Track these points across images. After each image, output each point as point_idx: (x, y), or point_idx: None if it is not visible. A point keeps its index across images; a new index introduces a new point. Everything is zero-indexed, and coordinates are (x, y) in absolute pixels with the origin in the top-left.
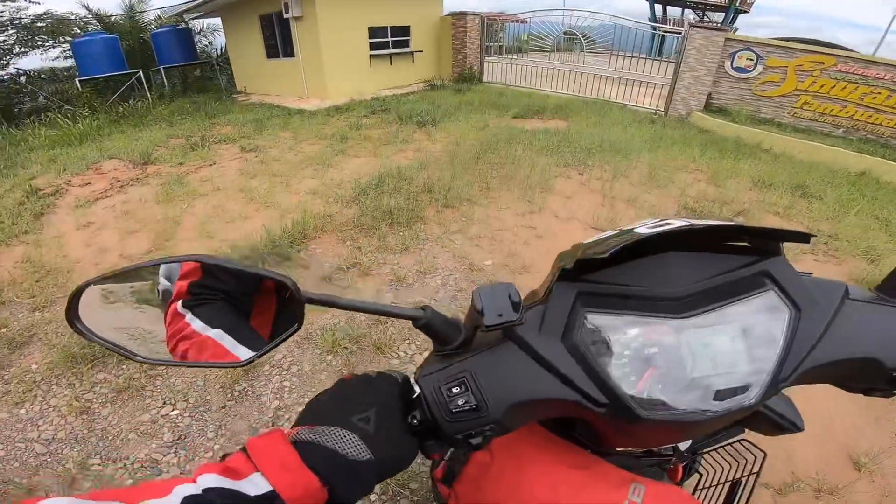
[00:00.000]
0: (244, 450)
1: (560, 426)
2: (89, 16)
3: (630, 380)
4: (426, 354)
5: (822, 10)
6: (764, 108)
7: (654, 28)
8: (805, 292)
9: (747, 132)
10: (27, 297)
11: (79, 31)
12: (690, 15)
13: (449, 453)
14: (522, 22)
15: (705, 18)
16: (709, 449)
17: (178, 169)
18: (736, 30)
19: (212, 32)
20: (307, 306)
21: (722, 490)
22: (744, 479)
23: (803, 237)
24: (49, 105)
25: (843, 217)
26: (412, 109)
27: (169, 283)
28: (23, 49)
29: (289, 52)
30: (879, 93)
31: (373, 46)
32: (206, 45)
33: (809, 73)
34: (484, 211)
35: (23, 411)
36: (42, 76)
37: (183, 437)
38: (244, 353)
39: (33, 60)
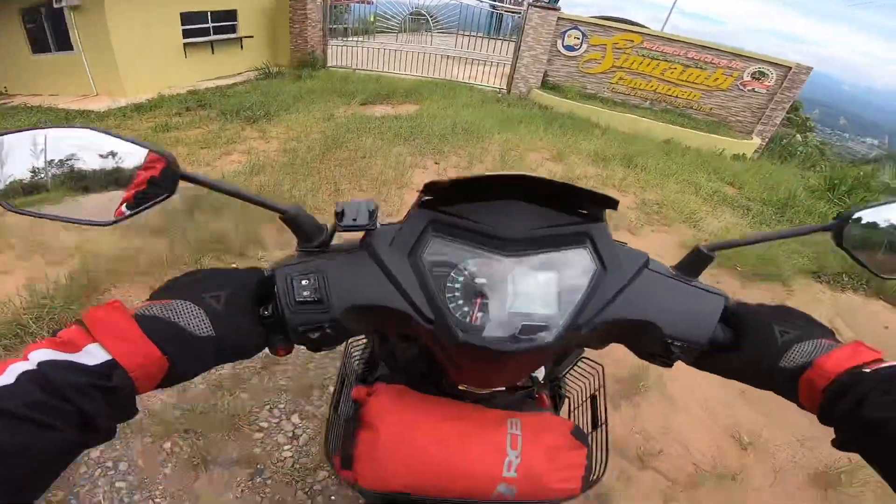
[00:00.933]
0: (80, 322)
1: (431, 384)
2: None
3: (458, 303)
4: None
5: None
6: (589, 84)
7: (494, 7)
8: (613, 256)
9: (579, 108)
10: None
11: None
12: None
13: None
14: (368, 2)
15: None
16: (562, 374)
17: None
18: (559, 9)
19: None
20: (181, 182)
21: (587, 407)
22: (597, 393)
23: (612, 203)
24: None
25: (665, 184)
26: (240, 103)
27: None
28: None
29: (64, 45)
30: (675, 68)
31: (188, 34)
32: None
33: (623, 51)
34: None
35: None
36: None
37: None
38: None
39: None
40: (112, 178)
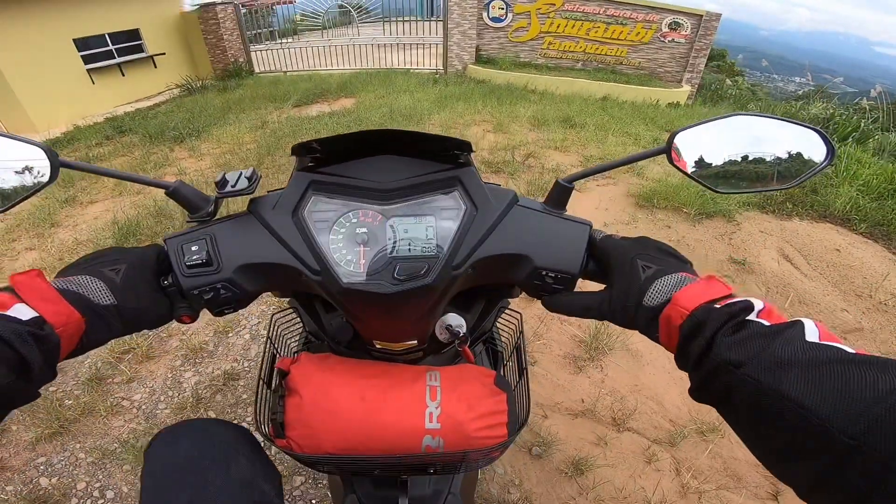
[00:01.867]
0: (6, 288)
1: (355, 350)
2: None
3: (342, 253)
4: None
5: None
6: (521, 52)
7: None
8: (483, 196)
9: (514, 77)
10: None
11: None
12: None
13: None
14: (290, 2)
15: None
16: (488, 328)
17: None
18: None
19: None
20: (62, 170)
21: (513, 356)
22: (519, 341)
23: (465, 146)
24: None
25: (605, 139)
26: (164, 123)
27: None
28: None
29: None
30: (599, 27)
31: (89, 59)
32: None
33: (547, 16)
34: None
35: None
36: None
37: None
38: None
39: None
40: None
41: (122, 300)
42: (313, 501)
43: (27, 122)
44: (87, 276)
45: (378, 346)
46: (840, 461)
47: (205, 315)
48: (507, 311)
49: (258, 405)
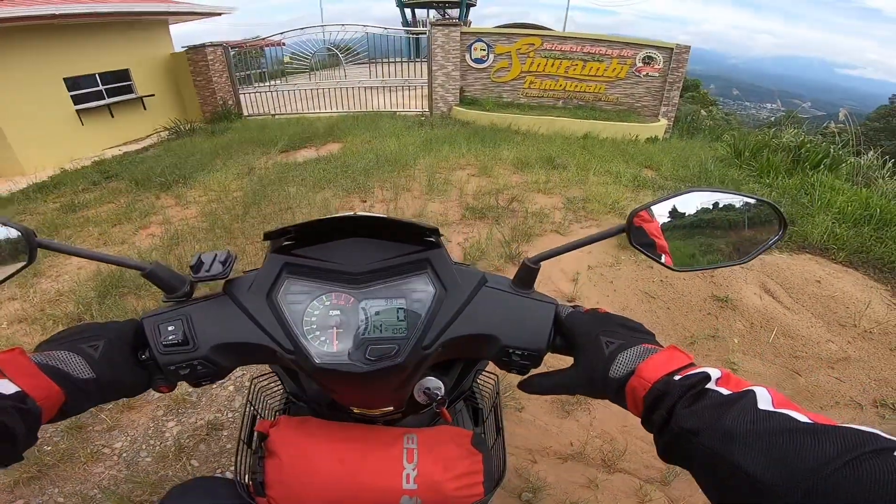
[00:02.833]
0: None
1: (334, 413)
2: None
3: (316, 334)
4: None
5: None
6: (503, 93)
7: (407, 32)
8: (453, 278)
9: (498, 118)
10: None
11: None
12: (434, 14)
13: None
14: (279, 45)
15: (446, 15)
16: (467, 388)
17: None
18: (470, 23)
19: None
20: (40, 250)
21: (492, 415)
22: (496, 401)
23: (434, 231)
24: None
25: (586, 179)
26: (151, 169)
27: None
28: None
29: None
30: (576, 64)
31: (79, 99)
32: None
33: (527, 55)
34: None
35: None
36: None
37: None
38: None
39: None
40: None
41: (101, 374)
42: None
43: (15, 164)
44: (66, 352)
45: (356, 412)
46: None
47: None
48: (484, 372)
49: (238, 463)
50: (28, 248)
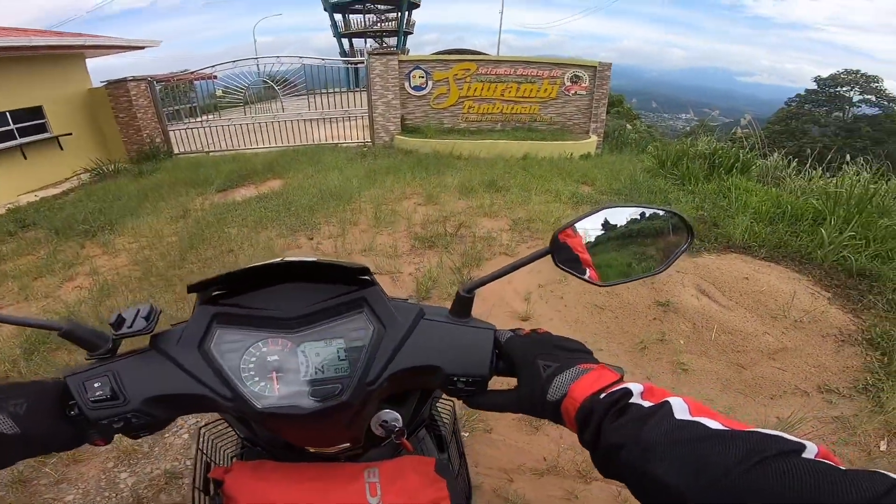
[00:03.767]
0: None
1: (290, 454)
2: None
3: (255, 380)
4: None
5: (462, 21)
6: (444, 119)
7: (345, 62)
8: (389, 313)
9: (440, 144)
10: None
11: None
12: (372, 44)
13: None
14: (211, 78)
15: (384, 44)
16: (425, 417)
17: None
18: (408, 51)
19: None
20: None
21: (454, 438)
22: (456, 426)
23: (364, 271)
24: None
25: (529, 199)
26: (73, 215)
27: None
28: None
29: None
30: (511, 87)
31: None
32: None
33: (464, 80)
34: None
35: None
36: None
37: None
38: None
39: None
40: None
41: (26, 430)
42: None
43: None
44: None
45: (312, 451)
46: None
47: None
48: (441, 399)
49: None
50: None
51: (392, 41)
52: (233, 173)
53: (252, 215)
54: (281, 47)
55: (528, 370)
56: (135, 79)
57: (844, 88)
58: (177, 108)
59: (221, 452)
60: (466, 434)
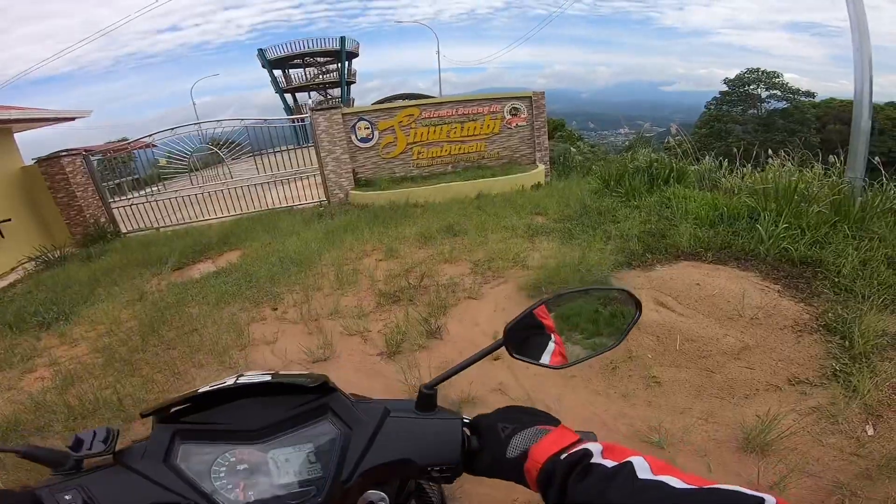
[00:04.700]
0: None
1: None
2: None
3: (228, 488)
4: None
5: (403, 65)
6: (395, 168)
7: (294, 120)
8: (354, 415)
9: (395, 194)
10: None
11: None
12: (316, 97)
13: None
14: (150, 146)
15: (328, 96)
16: (410, 487)
17: None
18: (353, 101)
19: None
20: None
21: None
22: (442, 493)
23: (323, 385)
24: None
25: (487, 239)
26: (23, 307)
27: None
28: None
29: None
30: (455, 127)
31: None
32: None
33: (409, 127)
34: None
35: None
36: None
37: None
38: None
39: None
40: None
41: None
42: None
43: None
44: None
45: None
46: None
47: None
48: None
49: None
50: None
51: (336, 92)
52: (187, 249)
53: (213, 292)
54: (223, 108)
55: (489, 434)
56: (68, 153)
57: (752, 87)
58: (118, 181)
59: None
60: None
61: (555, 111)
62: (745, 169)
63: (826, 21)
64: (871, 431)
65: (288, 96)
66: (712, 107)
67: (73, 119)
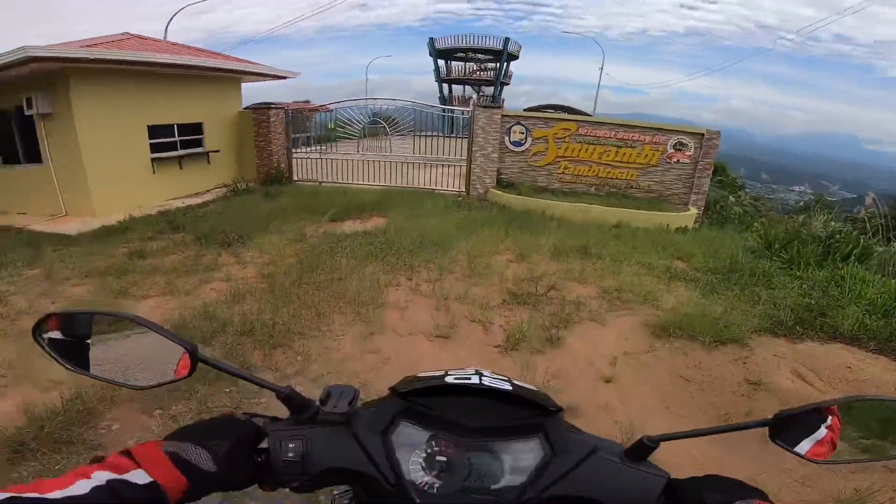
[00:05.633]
0: (126, 452)
1: None
2: None
3: (419, 474)
4: None
5: (557, 74)
6: (539, 177)
7: (445, 110)
8: (564, 443)
9: (533, 203)
10: None
11: None
12: (470, 90)
13: None
14: (327, 110)
15: (481, 93)
16: None
17: None
18: (503, 101)
19: None
20: (200, 364)
21: None
22: None
23: (554, 411)
24: None
25: (620, 269)
26: (214, 225)
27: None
28: None
29: (33, 157)
30: (610, 150)
31: (156, 148)
32: None
33: (563, 140)
34: (320, 343)
35: None
36: None
37: None
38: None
39: None
40: (148, 356)
41: (222, 469)
42: None
43: (88, 205)
44: (196, 447)
45: None
46: None
47: None
48: None
49: None
50: (191, 363)
51: (489, 90)
52: (343, 206)
53: (360, 249)
54: (384, 87)
55: (692, 497)
56: (275, 105)
57: None
58: (296, 136)
59: None
60: None
61: (719, 152)
62: None
63: None
64: None
65: (444, 87)
66: None
67: (285, 77)
